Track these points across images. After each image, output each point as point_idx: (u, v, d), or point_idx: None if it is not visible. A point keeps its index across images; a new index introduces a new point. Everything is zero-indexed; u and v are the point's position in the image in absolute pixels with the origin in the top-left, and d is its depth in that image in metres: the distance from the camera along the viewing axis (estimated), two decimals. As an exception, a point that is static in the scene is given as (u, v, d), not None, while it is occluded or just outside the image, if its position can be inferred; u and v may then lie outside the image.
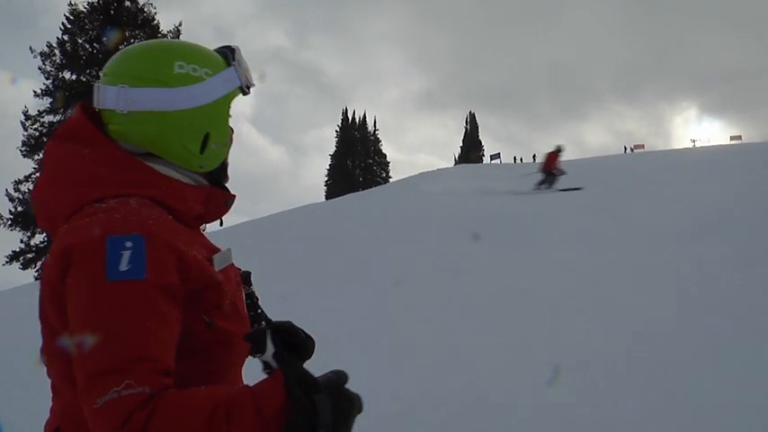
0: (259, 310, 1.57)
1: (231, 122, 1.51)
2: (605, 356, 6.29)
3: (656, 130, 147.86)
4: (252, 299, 1.57)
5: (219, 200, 1.49)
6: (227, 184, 1.56)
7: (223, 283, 1.36)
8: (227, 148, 1.49)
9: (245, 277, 1.58)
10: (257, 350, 1.27)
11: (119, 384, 1.09)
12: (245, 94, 1.50)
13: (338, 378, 1.25)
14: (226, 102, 1.44)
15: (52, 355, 1.30)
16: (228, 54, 1.47)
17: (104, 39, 29.52)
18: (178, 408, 1.10)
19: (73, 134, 1.38)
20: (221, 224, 1.59)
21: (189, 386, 1.16)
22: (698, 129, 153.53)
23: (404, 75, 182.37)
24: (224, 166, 1.53)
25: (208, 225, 1.58)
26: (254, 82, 1.50)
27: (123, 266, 1.16)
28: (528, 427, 4.88)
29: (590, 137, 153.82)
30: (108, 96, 1.37)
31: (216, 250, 1.44)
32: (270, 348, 1.26)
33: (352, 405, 1.26)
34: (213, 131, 1.43)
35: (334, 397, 1.21)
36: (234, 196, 1.53)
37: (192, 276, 1.28)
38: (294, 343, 1.35)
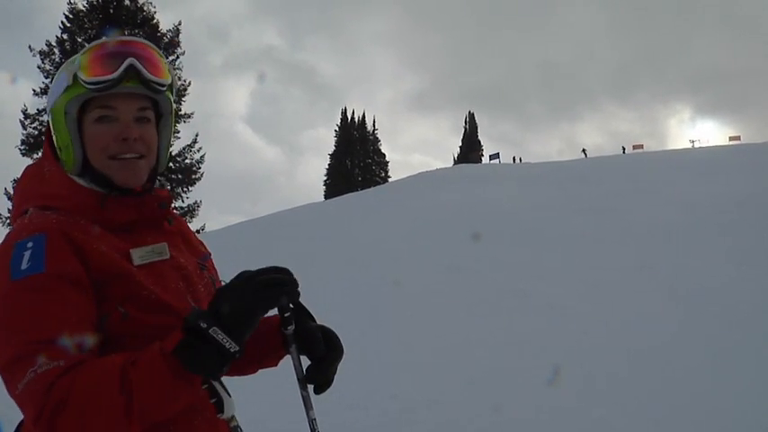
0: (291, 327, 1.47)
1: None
2: (604, 356, 6.29)
3: (650, 130, 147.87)
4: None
5: (151, 204, 1.47)
6: (151, 186, 1.52)
7: (136, 275, 1.36)
8: (72, 151, 1.42)
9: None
10: (285, 323, 1.40)
11: (33, 365, 1.17)
12: (95, 88, 1.38)
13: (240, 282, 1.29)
14: (60, 104, 1.41)
15: None
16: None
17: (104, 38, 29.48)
18: (95, 368, 1.19)
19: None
20: (170, 223, 1.54)
21: None
22: (692, 129, 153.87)
23: (397, 75, 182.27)
24: (94, 169, 1.44)
25: (208, 226, 1.59)
26: (93, 74, 1.38)
27: (24, 265, 1.25)
28: (526, 425, 4.88)
29: (584, 137, 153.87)
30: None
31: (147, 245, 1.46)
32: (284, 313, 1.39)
33: (245, 285, 1.27)
34: (56, 134, 1.44)
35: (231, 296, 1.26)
36: (167, 196, 1.53)
37: (95, 267, 1.32)
38: None
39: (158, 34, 30.51)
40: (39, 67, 29.62)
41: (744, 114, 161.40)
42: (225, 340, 1.21)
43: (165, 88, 1.46)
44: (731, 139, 45.91)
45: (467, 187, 20.87)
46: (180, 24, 31.76)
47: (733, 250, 9.93)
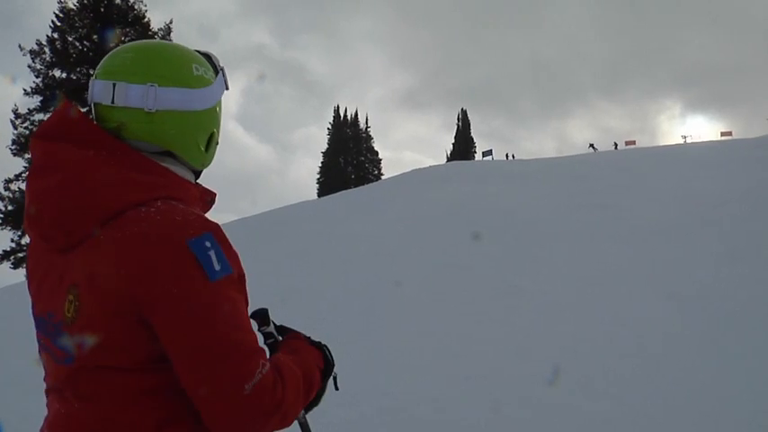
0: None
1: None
2: (601, 352, 6.29)
3: (641, 126, 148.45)
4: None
5: (206, 198, 1.55)
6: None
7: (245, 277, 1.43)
8: (217, 147, 1.55)
9: (264, 315, 1.64)
10: (264, 324, 1.60)
11: (258, 366, 1.24)
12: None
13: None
14: (219, 103, 1.51)
15: (92, 365, 1.28)
16: (209, 59, 1.52)
17: (97, 38, 29.34)
18: (291, 377, 1.34)
19: (67, 134, 1.34)
20: None
21: None
22: (682, 125, 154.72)
23: (387, 73, 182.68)
24: None
25: None
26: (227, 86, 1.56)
27: (216, 266, 1.25)
28: (522, 423, 4.87)
29: (575, 134, 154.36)
30: (133, 94, 1.35)
31: None
32: (272, 324, 1.61)
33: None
34: (216, 131, 1.51)
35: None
36: (216, 194, 1.58)
37: (240, 265, 1.37)
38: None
39: (149, 33, 30.44)
40: (29, 67, 29.47)
41: (733, 110, 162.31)
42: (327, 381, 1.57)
43: None
44: (723, 134, 46.02)
45: (461, 184, 20.84)
46: (171, 23, 31.69)
47: (727, 246, 9.94)
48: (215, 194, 1.58)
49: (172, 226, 1.25)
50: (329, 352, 1.58)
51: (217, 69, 1.51)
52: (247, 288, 1.43)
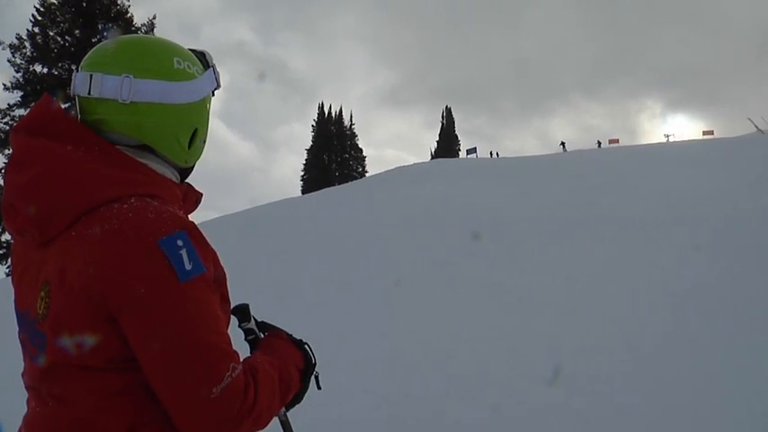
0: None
1: None
2: (587, 350, 6.31)
3: (622, 125, 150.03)
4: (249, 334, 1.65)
5: (192, 197, 1.53)
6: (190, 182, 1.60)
7: (225, 276, 1.42)
8: (204, 145, 1.53)
9: (245, 311, 1.63)
10: (244, 320, 1.59)
11: (228, 369, 1.21)
12: (212, 95, 1.55)
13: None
14: (207, 100, 1.49)
15: (64, 363, 1.26)
16: (203, 56, 1.52)
17: (79, 33, 29.02)
18: (265, 380, 1.32)
19: (45, 128, 1.33)
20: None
21: None
22: (663, 124, 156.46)
23: (369, 71, 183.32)
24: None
25: None
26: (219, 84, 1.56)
27: (188, 266, 1.22)
28: (514, 421, 4.87)
29: (556, 132, 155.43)
30: (109, 85, 1.34)
31: None
32: (252, 320, 1.60)
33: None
34: (200, 128, 1.48)
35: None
36: (202, 194, 1.57)
37: (217, 265, 1.36)
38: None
39: (132, 28, 30.14)
40: (9, 61, 29.07)
41: (713, 109, 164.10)
42: (309, 381, 1.56)
43: None
44: (705, 133, 46.44)
45: (446, 182, 20.89)
46: (155, 18, 31.43)
47: (708, 244, 10.02)
48: (201, 194, 1.56)
49: (143, 223, 1.23)
50: (311, 350, 1.57)
51: (206, 66, 1.50)
52: (229, 286, 1.42)
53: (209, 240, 1.34)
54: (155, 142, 1.39)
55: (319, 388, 1.60)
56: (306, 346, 1.57)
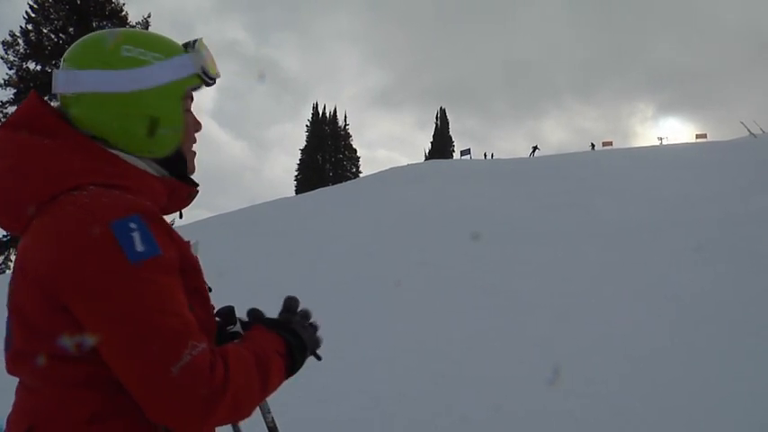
0: None
1: (196, 114, 1.54)
2: (582, 351, 6.32)
3: (614, 128, 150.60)
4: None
5: (183, 192, 1.50)
6: (192, 176, 1.56)
7: (200, 270, 1.38)
8: (180, 135, 1.45)
9: (229, 313, 1.56)
10: (229, 323, 1.51)
11: (186, 347, 1.16)
12: (207, 84, 1.48)
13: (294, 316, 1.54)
14: (178, 87, 1.42)
15: (27, 353, 1.27)
16: (190, 43, 1.47)
17: (73, 30, 28.89)
18: (237, 357, 1.26)
19: (29, 123, 1.35)
20: (181, 216, 1.59)
21: None
22: (655, 127, 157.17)
23: (361, 72, 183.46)
24: (180, 156, 1.50)
25: (170, 218, 1.57)
26: (217, 73, 1.49)
27: (140, 247, 1.18)
28: (509, 422, 4.87)
29: (549, 134, 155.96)
30: (60, 80, 1.38)
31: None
32: (238, 322, 1.52)
33: (310, 325, 1.56)
34: (162, 116, 1.40)
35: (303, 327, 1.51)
36: (197, 189, 1.54)
37: (181, 253, 1.32)
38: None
39: (127, 26, 30.01)
40: (2, 58, 28.95)
41: (705, 112, 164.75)
42: (302, 363, 1.46)
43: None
44: (698, 136, 46.59)
45: (441, 183, 20.91)
46: (149, 17, 31.36)
47: (702, 247, 10.05)
48: (191, 189, 1.52)
49: (95, 207, 1.21)
50: (294, 331, 1.46)
51: (178, 52, 1.44)
52: (207, 278, 1.41)
53: (177, 232, 1.33)
54: (106, 133, 1.37)
55: (319, 358, 1.56)
56: (284, 330, 1.46)
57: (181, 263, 1.30)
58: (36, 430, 1.26)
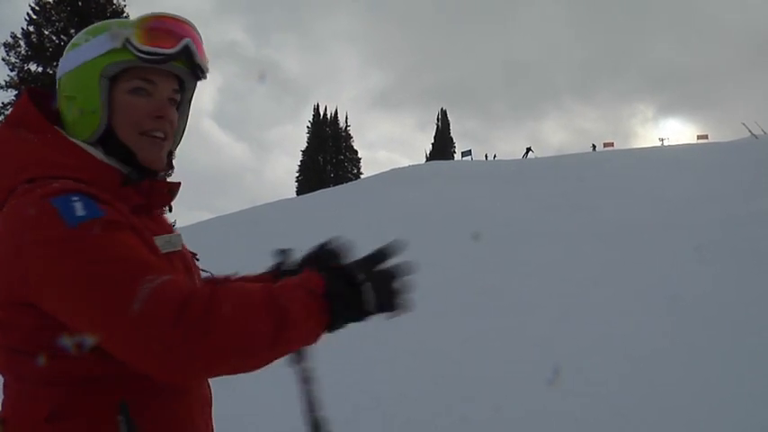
0: None
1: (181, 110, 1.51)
2: (582, 352, 6.31)
3: (614, 129, 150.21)
4: None
5: (162, 188, 1.46)
6: (171, 171, 1.54)
7: (163, 263, 1.31)
8: (99, 116, 1.35)
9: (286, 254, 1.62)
10: (284, 263, 1.55)
11: (143, 282, 1.10)
12: (143, 59, 1.34)
13: (372, 258, 1.33)
14: (94, 66, 1.35)
15: (2, 346, 1.28)
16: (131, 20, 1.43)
17: (74, 32, 28.92)
18: (229, 291, 1.16)
19: (20, 120, 1.38)
20: (170, 210, 1.54)
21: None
22: (656, 128, 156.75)
23: (361, 73, 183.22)
24: (118, 141, 1.39)
25: (172, 220, 1.55)
26: (149, 44, 1.34)
27: (80, 212, 1.16)
28: (505, 422, 4.87)
29: (549, 135, 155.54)
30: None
31: (159, 233, 1.40)
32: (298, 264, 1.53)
33: (389, 278, 1.34)
34: (78, 96, 1.37)
35: (371, 275, 1.28)
36: (179, 183, 1.50)
37: (141, 234, 1.30)
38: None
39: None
40: (3, 60, 28.95)
41: (706, 113, 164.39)
42: (368, 302, 1.23)
43: (205, 76, 1.47)
44: (699, 137, 46.51)
45: (442, 184, 20.90)
46: (150, 18, 31.35)
47: (704, 247, 10.03)
48: (173, 184, 1.48)
49: (41, 192, 1.20)
50: (347, 275, 1.25)
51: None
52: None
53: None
54: (63, 124, 1.41)
55: (394, 316, 1.35)
56: (334, 271, 1.26)
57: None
58: (6, 424, 1.28)
